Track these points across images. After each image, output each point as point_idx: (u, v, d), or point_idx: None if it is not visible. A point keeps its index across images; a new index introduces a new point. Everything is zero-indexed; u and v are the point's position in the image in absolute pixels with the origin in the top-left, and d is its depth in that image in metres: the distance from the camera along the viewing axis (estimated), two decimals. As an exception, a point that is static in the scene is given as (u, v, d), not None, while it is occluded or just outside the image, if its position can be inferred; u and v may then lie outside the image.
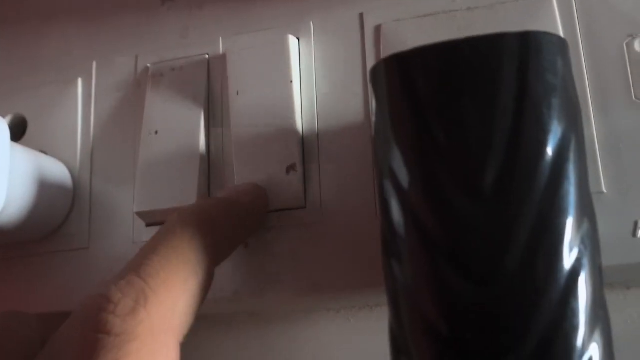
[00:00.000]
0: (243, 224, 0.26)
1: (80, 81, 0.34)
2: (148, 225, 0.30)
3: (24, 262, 0.32)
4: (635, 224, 0.25)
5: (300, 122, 0.29)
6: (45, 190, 0.30)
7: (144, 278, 0.22)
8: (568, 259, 0.20)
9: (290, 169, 0.28)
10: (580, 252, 0.20)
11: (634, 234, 0.25)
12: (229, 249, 0.25)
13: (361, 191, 0.28)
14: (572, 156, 0.21)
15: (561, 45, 0.22)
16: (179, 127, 0.30)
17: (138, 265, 0.22)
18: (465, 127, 0.22)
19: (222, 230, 0.24)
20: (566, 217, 0.21)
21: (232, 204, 0.26)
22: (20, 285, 0.31)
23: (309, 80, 0.30)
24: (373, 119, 0.25)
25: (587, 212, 0.21)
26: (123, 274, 0.22)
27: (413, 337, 0.22)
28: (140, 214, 0.30)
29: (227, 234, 0.25)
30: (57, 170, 0.31)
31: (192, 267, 0.23)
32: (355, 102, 0.29)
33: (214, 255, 0.24)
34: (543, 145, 0.21)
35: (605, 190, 0.25)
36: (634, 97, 0.26)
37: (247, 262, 0.28)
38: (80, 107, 0.33)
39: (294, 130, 0.29)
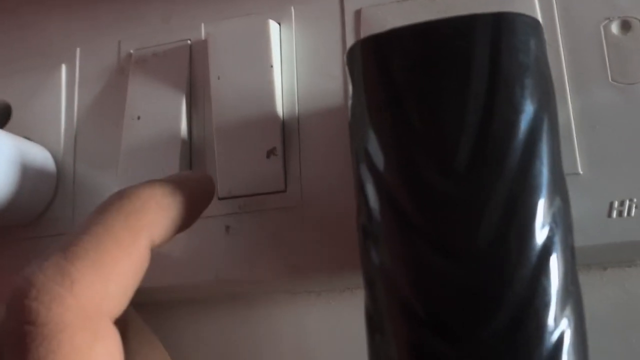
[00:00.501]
0: (185, 207, 0.24)
1: (64, 67, 0.34)
2: (131, 210, 0.30)
3: (9, 248, 0.32)
4: (611, 204, 0.25)
5: (280, 107, 0.29)
6: (29, 175, 0.30)
7: (70, 259, 0.20)
8: (539, 236, 0.20)
9: (271, 153, 0.28)
10: (551, 230, 0.21)
11: (610, 214, 0.25)
12: (168, 232, 0.23)
13: (341, 174, 0.28)
14: (544, 136, 0.21)
15: (534, 26, 0.23)
16: (160, 112, 0.30)
17: (66, 244, 0.20)
18: (439, 108, 0.22)
19: (160, 212, 0.22)
20: (538, 196, 0.21)
21: (175, 186, 0.24)
22: (5, 271, 0.32)
23: (289, 65, 0.30)
24: (349, 101, 0.25)
25: (559, 191, 0.22)
26: (48, 254, 0.20)
27: (389, 317, 0.22)
28: (123, 199, 0.30)
29: (166, 216, 0.23)
30: (41, 156, 0.32)
31: (125, 248, 0.21)
32: (335, 86, 0.29)
33: (150, 236, 0.22)
34: (515, 125, 0.21)
35: (581, 172, 0.26)
36: (610, 79, 0.26)
37: (228, 246, 0.28)
38: (64, 93, 0.33)
39: (274, 114, 0.29)
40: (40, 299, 0.19)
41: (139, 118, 0.30)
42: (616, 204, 0.25)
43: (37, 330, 0.19)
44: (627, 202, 0.25)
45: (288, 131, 0.29)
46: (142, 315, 0.26)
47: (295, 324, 0.30)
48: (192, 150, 0.30)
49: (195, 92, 0.31)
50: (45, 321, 0.19)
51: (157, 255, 0.24)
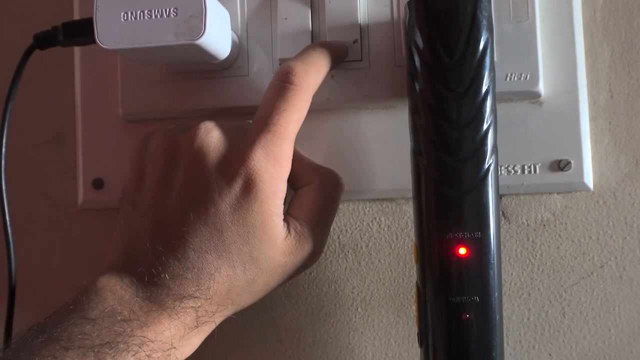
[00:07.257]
0: (333, 63, 0.48)
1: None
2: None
3: (211, 81, 0.56)
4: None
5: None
6: (232, 36, 0.54)
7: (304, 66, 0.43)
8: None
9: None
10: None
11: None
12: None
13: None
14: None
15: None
16: (298, 14, 0.54)
17: (302, 56, 0.45)
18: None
19: (323, 70, 0.47)
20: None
21: (329, 50, 0.48)
22: (207, 98, 0.56)
23: None
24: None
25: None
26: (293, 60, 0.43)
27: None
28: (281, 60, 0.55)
29: (322, 71, 0.47)
30: (231, 25, 0.54)
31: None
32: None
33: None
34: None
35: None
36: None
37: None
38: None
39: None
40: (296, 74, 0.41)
41: (285, 19, 0.55)
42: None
43: (292, 87, 0.40)
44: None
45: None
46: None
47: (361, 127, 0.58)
48: (312, 38, 0.55)
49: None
50: (298, 83, 0.41)
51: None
